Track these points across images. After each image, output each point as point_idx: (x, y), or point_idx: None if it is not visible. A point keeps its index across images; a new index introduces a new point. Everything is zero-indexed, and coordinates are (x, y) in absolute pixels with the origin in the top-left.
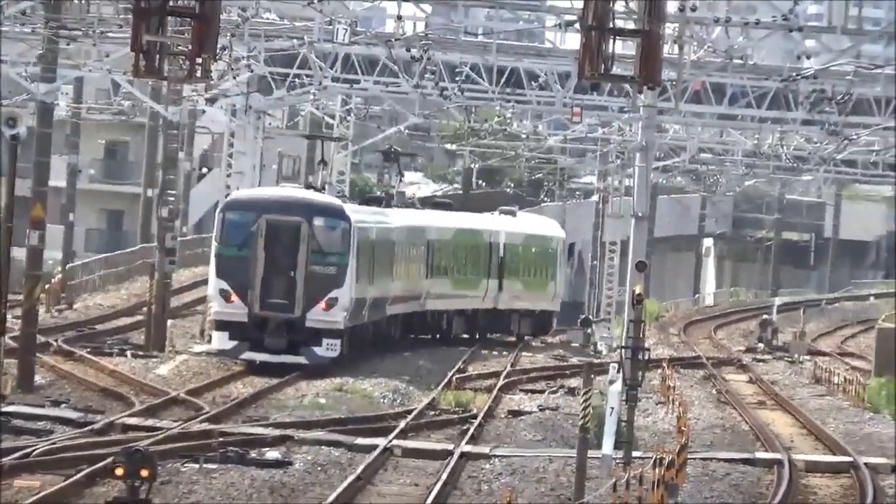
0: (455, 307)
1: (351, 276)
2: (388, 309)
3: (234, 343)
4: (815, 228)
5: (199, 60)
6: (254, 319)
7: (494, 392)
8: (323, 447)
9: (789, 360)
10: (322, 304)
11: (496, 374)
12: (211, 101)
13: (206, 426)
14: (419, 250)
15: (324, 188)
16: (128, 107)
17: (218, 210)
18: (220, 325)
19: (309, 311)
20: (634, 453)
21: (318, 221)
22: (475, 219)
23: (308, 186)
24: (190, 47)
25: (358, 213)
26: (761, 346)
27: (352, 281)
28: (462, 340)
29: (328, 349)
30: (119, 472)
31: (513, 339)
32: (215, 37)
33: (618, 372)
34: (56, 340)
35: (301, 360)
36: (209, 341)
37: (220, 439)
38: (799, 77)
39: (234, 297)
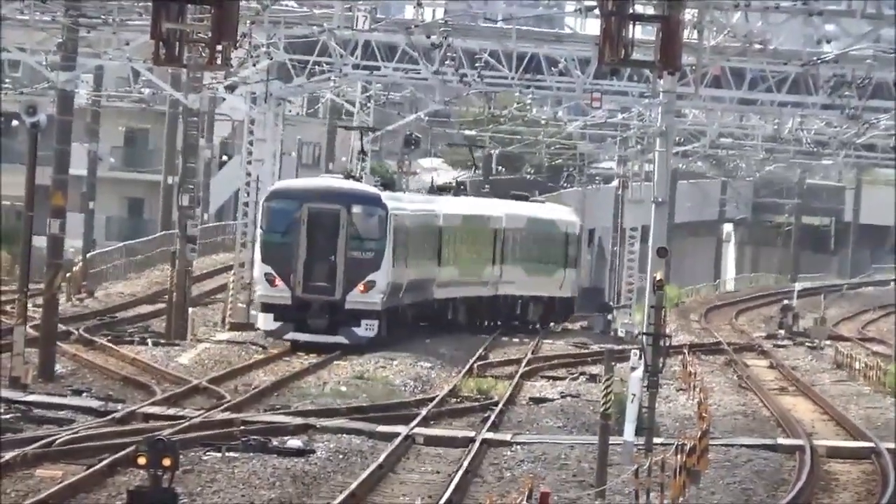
0: (530, 293)
1: (387, 260)
2: (436, 291)
3: (278, 324)
4: (835, 213)
5: (219, 48)
6: (297, 302)
7: (516, 379)
8: (345, 435)
9: (810, 345)
10: (360, 287)
11: (517, 361)
12: (231, 88)
13: (227, 415)
14: (481, 238)
15: (361, 178)
16: (148, 94)
17: (262, 199)
18: (266, 308)
19: (348, 294)
20: (656, 440)
21: (357, 209)
22: (548, 209)
23: (347, 176)
24: (209, 35)
25: (394, 201)
26: (782, 331)
27: (388, 265)
28: (483, 328)
29: (367, 329)
30: (141, 461)
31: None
32: (235, 24)
33: (639, 358)
34: (77, 329)
35: (341, 339)
36: (229, 329)
37: (242, 428)
38: (819, 61)
39: (278, 281)
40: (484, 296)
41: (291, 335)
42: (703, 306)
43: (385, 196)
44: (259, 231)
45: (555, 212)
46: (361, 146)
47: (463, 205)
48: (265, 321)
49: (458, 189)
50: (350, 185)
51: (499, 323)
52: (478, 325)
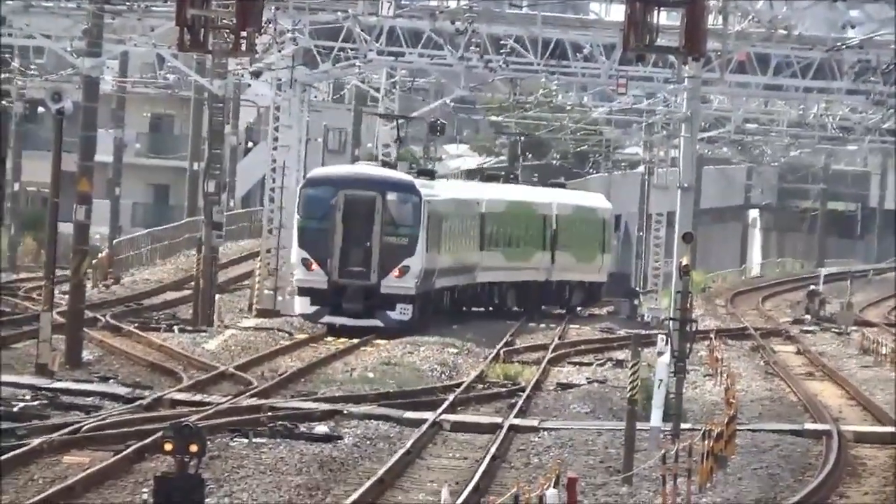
0: (577, 278)
1: (422, 245)
2: (480, 275)
3: (315, 308)
4: (860, 198)
5: (244, 34)
6: (333, 286)
7: (542, 365)
8: (372, 421)
9: (837, 330)
10: (395, 272)
11: (544, 347)
12: (256, 74)
13: (254, 401)
14: (531, 224)
15: (395, 165)
16: (173, 81)
17: (300, 186)
18: (302, 292)
19: (383, 279)
20: (683, 425)
21: (392, 196)
22: (587, 196)
23: (384, 164)
24: (234, 21)
25: (429, 188)
26: (808, 316)
27: (423, 250)
28: (512, 314)
29: (401, 313)
30: (168, 447)
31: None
32: (259, 10)
33: (666, 344)
34: (104, 316)
35: (377, 323)
36: (256, 315)
37: (269, 414)
38: (843, 47)
39: (314, 266)
40: (536, 281)
41: (327, 319)
42: (729, 291)
43: (419, 183)
44: (296, 217)
45: (593, 199)
46: (398, 134)
47: (510, 192)
48: (302, 305)
49: (507, 177)
50: (385, 172)
51: (550, 308)
52: (529, 309)
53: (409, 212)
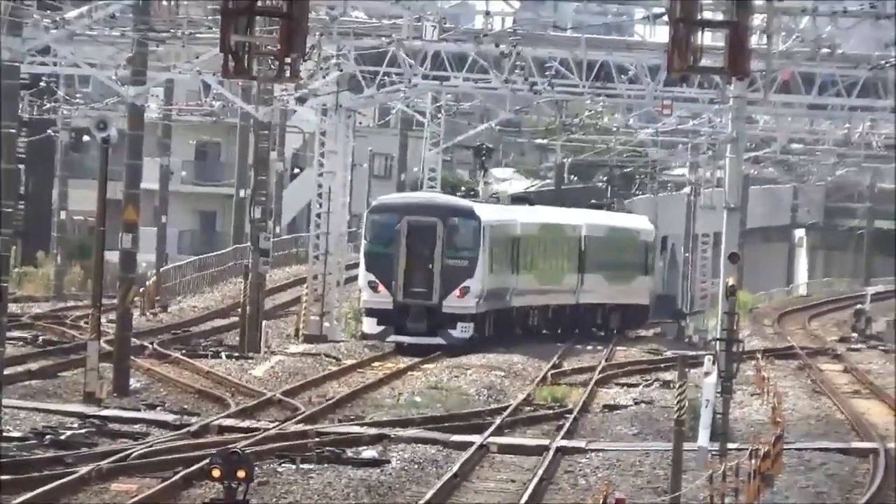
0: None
1: (482, 267)
2: (582, 296)
3: (381, 328)
4: None
5: (288, 60)
6: (398, 307)
7: (590, 386)
8: (419, 445)
9: (884, 349)
10: (457, 293)
11: (591, 369)
12: (301, 100)
13: (302, 426)
14: (632, 249)
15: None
16: (218, 108)
17: (366, 212)
18: (369, 313)
19: (445, 299)
20: (730, 445)
21: (452, 221)
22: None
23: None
24: (278, 47)
25: (489, 213)
26: (855, 335)
27: (483, 272)
28: (555, 336)
29: (462, 331)
30: (216, 473)
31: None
32: (304, 36)
33: (712, 364)
34: (151, 343)
35: (439, 341)
36: (303, 341)
37: (317, 439)
38: (888, 65)
39: (380, 288)
40: (640, 304)
41: (393, 337)
42: (776, 311)
43: (479, 208)
44: (363, 242)
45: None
46: (482, 162)
47: (609, 218)
48: (369, 325)
49: (602, 205)
50: (446, 199)
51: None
52: (631, 329)
53: (469, 236)
